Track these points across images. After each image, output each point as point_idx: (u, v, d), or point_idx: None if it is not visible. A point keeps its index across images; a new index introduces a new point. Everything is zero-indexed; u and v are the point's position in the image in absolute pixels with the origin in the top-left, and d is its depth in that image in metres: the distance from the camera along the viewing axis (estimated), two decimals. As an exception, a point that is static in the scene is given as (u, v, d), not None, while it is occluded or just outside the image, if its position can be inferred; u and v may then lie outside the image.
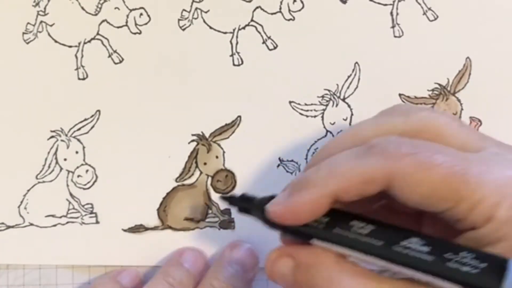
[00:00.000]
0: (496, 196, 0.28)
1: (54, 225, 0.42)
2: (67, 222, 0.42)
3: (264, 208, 0.30)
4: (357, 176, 0.29)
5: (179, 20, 0.43)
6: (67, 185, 0.42)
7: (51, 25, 0.43)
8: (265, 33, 0.43)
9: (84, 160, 0.42)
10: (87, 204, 0.42)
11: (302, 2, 0.43)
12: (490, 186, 0.28)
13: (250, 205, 0.32)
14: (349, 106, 0.42)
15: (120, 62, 0.43)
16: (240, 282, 0.39)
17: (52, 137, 0.43)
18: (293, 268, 0.30)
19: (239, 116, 0.42)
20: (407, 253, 0.27)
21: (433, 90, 0.42)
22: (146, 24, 0.43)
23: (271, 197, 0.31)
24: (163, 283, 0.39)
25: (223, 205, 0.42)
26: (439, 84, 0.42)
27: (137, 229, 0.42)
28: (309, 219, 0.30)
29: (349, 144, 0.31)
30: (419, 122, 0.31)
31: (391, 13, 0.43)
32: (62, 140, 0.43)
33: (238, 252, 0.41)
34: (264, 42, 0.43)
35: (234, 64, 0.43)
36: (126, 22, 0.43)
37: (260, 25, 0.43)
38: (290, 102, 0.42)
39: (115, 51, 0.43)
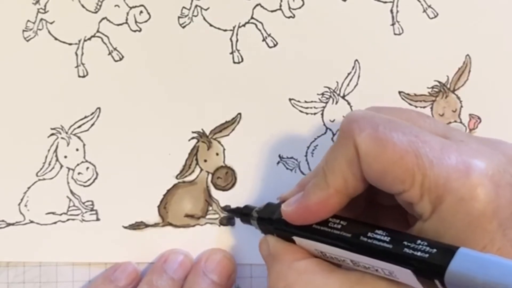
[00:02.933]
0: (442, 189, 0.28)
1: (55, 223, 0.42)
2: (68, 220, 0.42)
3: (253, 215, 0.37)
4: (342, 162, 0.30)
5: (179, 17, 0.43)
6: (68, 183, 0.42)
7: (51, 23, 0.43)
8: (265, 30, 0.43)
9: (84, 157, 0.43)
10: (88, 201, 0.42)
11: (302, -1, 0.43)
12: (439, 175, 0.28)
13: (249, 214, 0.38)
14: (349, 103, 0.42)
15: (120, 59, 0.43)
16: None
17: (52, 134, 0.43)
18: (267, 254, 0.34)
19: (239, 113, 0.42)
20: (370, 242, 0.29)
21: (432, 87, 0.42)
22: (146, 21, 0.43)
23: (268, 204, 0.37)
24: None
25: (223, 202, 0.42)
26: (439, 82, 0.42)
27: (138, 226, 0.42)
28: (324, 218, 0.32)
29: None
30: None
31: (391, 11, 0.43)
32: (62, 138, 0.43)
33: (214, 261, 0.40)
34: (264, 40, 0.43)
35: (234, 62, 0.43)
36: (126, 19, 0.43)
37: (260, 22, 0.43)
38: (290, 99, 0.42)
39: (115, 49, 0.43)
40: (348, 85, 0.42)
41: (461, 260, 0.26)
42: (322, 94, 0.42)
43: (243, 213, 0.39)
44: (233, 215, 0.41)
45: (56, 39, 0.43)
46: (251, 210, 0.38)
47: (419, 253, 0.27)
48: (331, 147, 0.32)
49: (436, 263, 0.27)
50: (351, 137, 0.30)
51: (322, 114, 0.42)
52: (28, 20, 0.43)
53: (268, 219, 0.36)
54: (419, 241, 0.28)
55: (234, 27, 0.43)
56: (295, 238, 0.33)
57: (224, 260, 0.40)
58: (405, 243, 0.28)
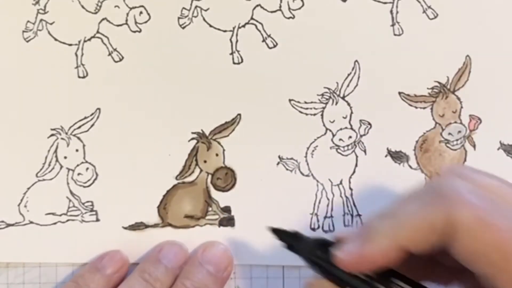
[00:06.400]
0: None
1: (54, 223, 0.42)
2: (67, 220, 0.42)
3: (316, 250, 0.31)
4: (423, 224, 0.29)
5: (179, 18, 0.43)
6: (67, 183, 0.42)
7: (51, 23, 0.43)
8: (265, 31, 0.43)
9: (84, 158, 0.43)
10: (87, 202, 0.42)
11: (302, 0, 0.43)
12: None
13: (300, 244, 0.33)
14: (348, 104, 0.42)
15: (120, 60, 0.43)
16: (213, 282, 0.40)
17: (52, 135, 0.43)
18: None
19: (239, 114, 0.42)
20: None
21: (432, 88, 0.42)
22: (146, 22, 0.43)
23: (323, 241, 0.32)
24: (139, 279, 0.39)
25: (223, 203, 0.42)
26: (439, 82, 0.42)
27: (138, 226, 0.42)
28: (377, 268, 0.30)
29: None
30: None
31: (391, 11, 0.43)
32: (62, 138, 0.43)
33: (211, 252, 0.40)
34: (264, 40, 0.43)
35: (234, 62, 0.43)
36: (126, 20, 0.43)
37: (260, 23, 0.43)
38: (289, 100, 0.42)
39: (115, 50, 0.43)
40: (348, 86, 0.42)
41: None
42: (322, 94, 0.42)
43: (296, 246, 0.33)
44: (279, 239, 0.34)
45: (56, 39, 0.43)
46: (301, 239, 0.33)
47: None
48: (413, 197, 0.30)
49: None
50: (450, 207, 0.28)
51: (322, 115, 0.42)
52: (28, 21, 0.43)
53: (326, 260, 0.31)
54: None
55: (234, 28, 0.43)
56: None
57: (220, 252, 0.41)
58: None
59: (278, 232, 0.34)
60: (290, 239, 0.33)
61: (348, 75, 0.42)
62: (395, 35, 0.43)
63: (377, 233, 0.30)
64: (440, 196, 0.29)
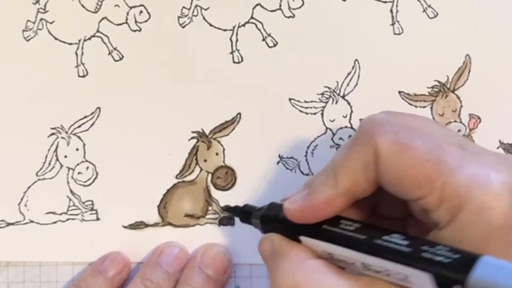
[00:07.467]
0: (463, 197, 0.28)
1: (55, 222, 0.42)
2: (68, 219, 0.42)
3: (262, 214, 0.35)
4: (357, 164, 0.30)
5: (179, 17, 0.43)
6: (68, 182, 0.42)
7: (51, 23, 0.43)
8: (265, 30, 0.43)
9: (84, 157, 0.43)
10: (88, 201, 0.42)
11: (302, -1, 0.43)
12: (460, 183, 0.28)
13: (250, 213, 0.36)
14: (348, 103, 0.42)
15: (120, 59, 0.43)
16: (213, 286, 0.40)
17: (52, 134, 0.43)
18: (270, 253, 0.33)
19: (239, 113, 0.42)
20: (386, 245, 0.29)
21: (432, 87, 0.42)
22: (146, 21, 0.43)
23: (270, 204, 0.35)
24: (141, 287, 0.39)
25: (223, 202, 0.42)
26: (439, 81, 0.42)
27: (138, 225, 0.42)
28: (326, 217, 0.31)
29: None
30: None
31: (391, 11, 0.43)
32: (62, 137, 0.43)
33: (210, 255, 0.40)
34: (264, 40, 0.43)
35: (234, 62, 0.43)
36: (126, 19, 0.43)
37: (260, 22, 0.43)
38: (290, 99, 0.42)
39: (115, 49, 0.43)
40: (348, 85, 0.42)
41: (484, 268, 0.25)
42: (322, 94, 0.42)
43: (244, 212, 0.37)
44: (233, 214, 0.41)
45: (56, 39, 0.43)
46: (251, 209, 0.37)
47: (439, 258, 0.27)
48: (344, 147, 0.32)
49: (458, 269, 0.26)
50: (372, 139, 0.30)
51: (322, 114, 0.42)
52: (28, 20, 0.43)
53: (274, 218, 0.34)
54: (439, 247, 0.27)
55: (234, 27, 0.43)
56: (302, 238, 0.32)
57: (219, 255, 0.41)
58: (424, 247, 0.28)
59: (231, 209, 0.39)
60: (243, 211, 0.37)
61: (348, 74, 0.42)
62: (395, 34, 0.43)
63: (319, 185, 0.31)
64: (363, 133, 0.31)
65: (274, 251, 0.33)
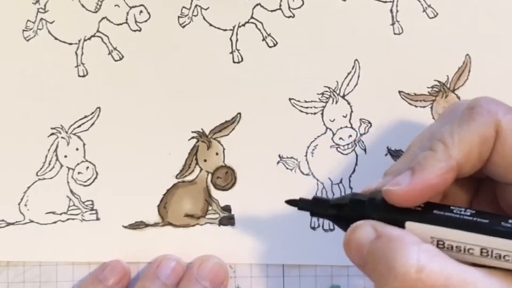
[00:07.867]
0: None
1: (55, 222, 0.42)
2: (68, 219, 0.42)
3: (351, 198, 0.31)
4: (475, 138, 0.29)
5: (179, 17, 0.43)
6: (68, 182, 0.42)
7: (51, 23, 0.43)
8: (265, 30, 0.43)
9: (84, 157, 0.43)
10: (88, 201, 0.42)
11: (302, -1, 0.43)
12: None
13: (324, 205, 0.32)
14: (348, 103, 0.42)
15: (120, 59, 0.43)
16: None
17: (52, 134, 0.43)
18: (373, 239, 0.29)
19: (239, 113, 0.42)
20: None
21: (432, 87, 0.42)
22: (146, 21, 0.43)
23: (344, 197, 0.32)
24: None
25: (223, 202, 0.42)
26: (439, 81, 0.42)
27: (138, 225, 0.42)
28: (435, 196, 0.30)
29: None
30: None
31: (391, 10, 0.43)
32: (62, 137, 0.43)
33: (207, 267, 0.40)
34: (264, 39, 0.43)
35: (234, 61, 0.43)
36: (126, 19, 0.43)
37: (260, 22, 0.43)
38: (290, 99, 0.42)
39: (115, 48, 0.43)
40: (348, 84, 0.42)
41: None
42: (322, 93, 0.42)
43: (320, 200, 0.33)
44: (299, 206, 0.34)
45: (56, 38, 0.43)
46: (325, 201, 0.33)
47: None
48: (447, 122, 0.30)
49: None
50: (494, 115, 0.29)
51: (322, 114, 0.42)
52: (28, 20, 0.43)
53: (369, 202, 0.31)
54: None
55: (234, 27, 0.43)
56: (408, 224, 0.29)
57: (216, 267, 0.41)
58: None
59: (294, 202, 0.34)
60: (309, 206, 0.33)
61: (348, 74, 0.42)
62: (395, 34, 0.43)
63: (427, 160, 0.29)
64: (481, 108, 0.30)
65: (380, 236, 0.29)
